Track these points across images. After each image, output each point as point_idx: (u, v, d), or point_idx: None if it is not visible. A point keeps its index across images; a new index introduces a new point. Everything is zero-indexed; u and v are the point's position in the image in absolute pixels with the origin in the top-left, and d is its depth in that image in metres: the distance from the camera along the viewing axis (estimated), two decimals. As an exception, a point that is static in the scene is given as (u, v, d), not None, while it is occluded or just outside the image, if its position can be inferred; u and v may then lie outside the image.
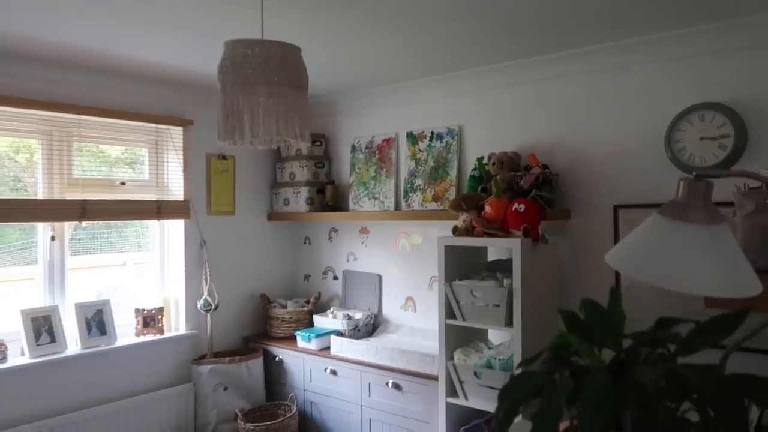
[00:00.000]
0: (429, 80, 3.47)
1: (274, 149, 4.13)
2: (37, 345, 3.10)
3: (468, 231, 2.89)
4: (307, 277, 4.33)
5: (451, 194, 3.38)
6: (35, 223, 3.19)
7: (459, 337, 2.98)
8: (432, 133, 3.53)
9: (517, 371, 0.98)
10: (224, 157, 3.89)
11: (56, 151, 3.17)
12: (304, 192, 3.95)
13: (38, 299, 3.23)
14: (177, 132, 3.63)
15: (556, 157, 3.05)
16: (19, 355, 3.07)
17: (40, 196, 3.14)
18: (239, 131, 1.97)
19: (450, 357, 2.93)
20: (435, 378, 3.00)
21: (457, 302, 2.88)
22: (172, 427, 3.53)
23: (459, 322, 2.89)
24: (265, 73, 1.93)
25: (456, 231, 2.94)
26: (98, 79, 3.24)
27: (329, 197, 3.96)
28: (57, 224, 3.24)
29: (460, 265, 2.98)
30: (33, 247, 3.24)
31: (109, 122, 3.35)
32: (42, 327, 3.14)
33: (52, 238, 3.25)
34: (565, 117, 3.05)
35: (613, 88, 2.90)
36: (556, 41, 2.79)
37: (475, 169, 3.14)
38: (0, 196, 3.01)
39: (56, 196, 3.16)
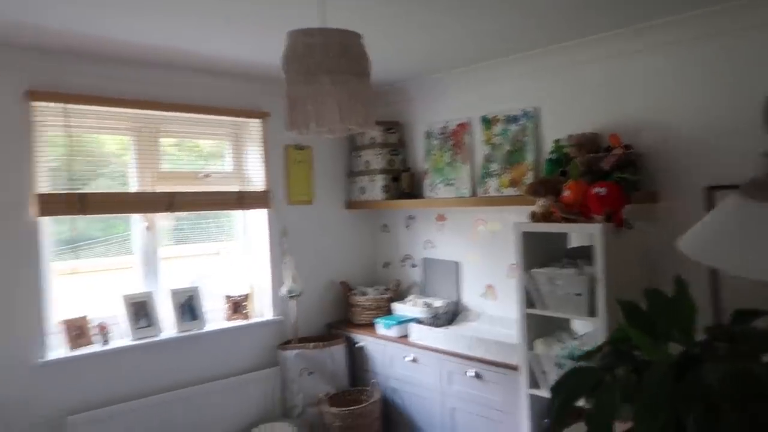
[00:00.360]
0: (501, 61, 3.36)
1: (347, 138, 4.16)
2: (137, 328, 3.32)
3: (546, 217, 2.77)
4: (386, 264, 4.35)
5: (529, 179, 3.25)
6: (131, 215, 3.41)
7: (540, 326, 2.88)
8: (507, 116, 3.41)
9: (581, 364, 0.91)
10: (301, 148, 3.97)
11: (146, 147, 3.37)
12: (379, 180, 3.96)
13: (137, 286, 3.45)
14: (255, 124, 3.75)
15: (641, 137, 2.84)
16: (121, 338, 3.31)
17: (134, 189, 3.35)
18: (304, 121, 1.99)
19: (531, 347, 2.84)
20: (515, 368, 2.93)
21: (537, 290, 2.78)
22: (260, 408, 3.67)
23: (539, 311, 2.80)
24: (326, 61, 1.93)
25: (534, 217, 2.83)
26: (181, 76, 3.40)
27: (405, 185, 3.95)
28: (150, 215, 3.45)
29: (539, 252, 2.87)
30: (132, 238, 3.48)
31: (192, 117, 3.51)
32: (140, 312, 3.36)
33: (147, 229, 3.47)
34: (649, 93, 2.83)
35: (703, 58, 2.65)
36: (638, 11, 2.59)
37: (552, 152, 3.00)
38: (108, 191, 3.25)
39: (148, 189, 3.36)
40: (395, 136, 4.05)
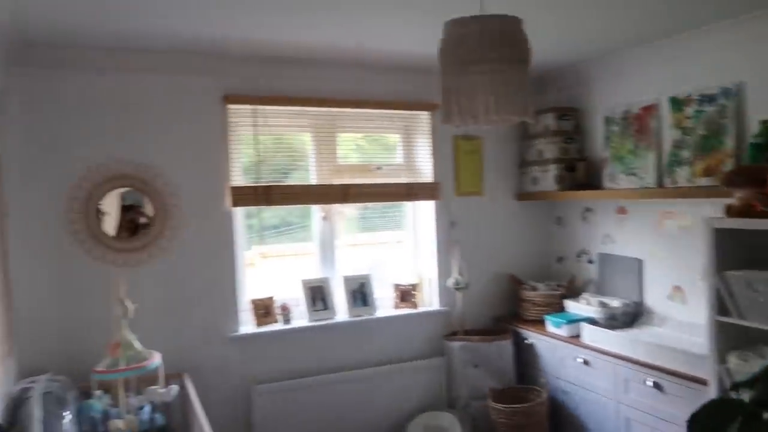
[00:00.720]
0: (692, 34, 2.96)
1: (519, 126, 4.00)
2: (314, 311, 3.58)
3: (745, 211, 2.39)
4: (560, 259, 4.12)
5: (728, 167, 2.82)
6: (311, 205, 3.67)
7: (736, 337, 2.51)
8: (701, 95, 2.99)
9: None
10: (470, 138, 3.92)
11: (324, 142, 3.60)
12: (552, 170, 3.74)
13: (316, 271, 3.72)
14: (424, 116, 3.79)
15: None
16: (301, 318, 3.59)
17: (313, 182, 3.59)
18: (458, 113, 1.95)
19: (723, 360, 2.49)
20: (704, 382, 2.59)
21: (732, 296, 2.42)
22: (426, 397, 3.73)
23: (734, 320, 2.45)
24: (482, 49, 1.86)
25: (729, 211, 2.46)
26: (353, 73, 3.56)
27: (581, 175, 3.69)
28: (327, 206, 3.68)
29: (737, 253, 2.51)
30: (310, 226, 3.77)
31: (365, 112, 3.66)
32: (317, 295, 3.62)
33: (324, 218, 3.71)
34: None
35: None
36: None
37: (758, 135, 2.56)
38: (290, 183, 3.54)
39: (325, 181, 3.59)
40: (570, 123, 3.80)
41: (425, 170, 3.84)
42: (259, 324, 3.45)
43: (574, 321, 3.45)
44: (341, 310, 3.65)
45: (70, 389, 2.65)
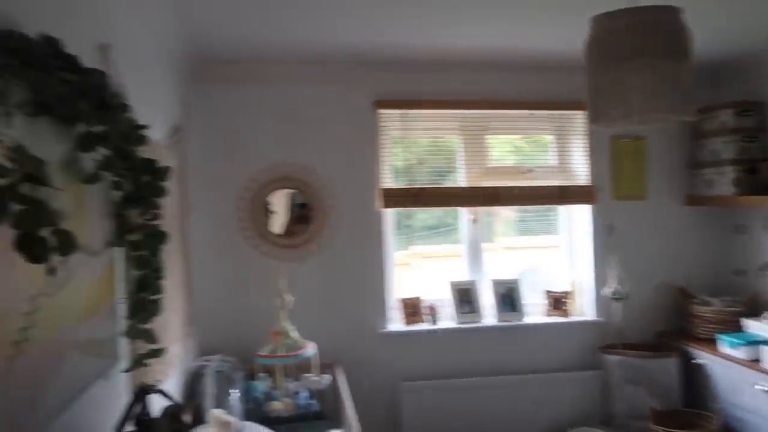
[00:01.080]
0: None
1: (689, 124, 3.61)
2: (461, 313, 3.60)
3: None
4: (738, 272, 3.66)
5: None
6: (459, 208, 3.68)
7: None
8: None
9: None
10: (634, 138, 3.64)
11: (473, 144, 3.59)
12: (730, 172, 3.34)
13: (464, 274, 3.72)
14: (579, 116, 3.60)
15: None
16: (448, 320, 3.62)
17: (462, 184, 3.61)
18: (606, 112, 1.85)
19: None
20: None
21: None
22: (577, 411, 3.55)
23: None
24: (632, 44, 1.75)
25: None
26: (503, 74, 3.51)
27: (765, 177, 3.24)
28: (475, 208, 3.66)
29: None
30: (456, 228, 3.79)
31: (515, 114, 3.59)
32: (464, 298, 3.63)
33: (473, 221, 3.71)
34: None
35: None
36: None
37: None
38: (440, 185, 3.61)
39: (474, 184, 3.58)
40: (752, 119, 3.36)
41: (580, 172, 3.65)
42: (408, 323, 3.54)
43: (754, 342, 3.05)
44: (488, 314, 3.62)
45: (238, 370, 2.96)
